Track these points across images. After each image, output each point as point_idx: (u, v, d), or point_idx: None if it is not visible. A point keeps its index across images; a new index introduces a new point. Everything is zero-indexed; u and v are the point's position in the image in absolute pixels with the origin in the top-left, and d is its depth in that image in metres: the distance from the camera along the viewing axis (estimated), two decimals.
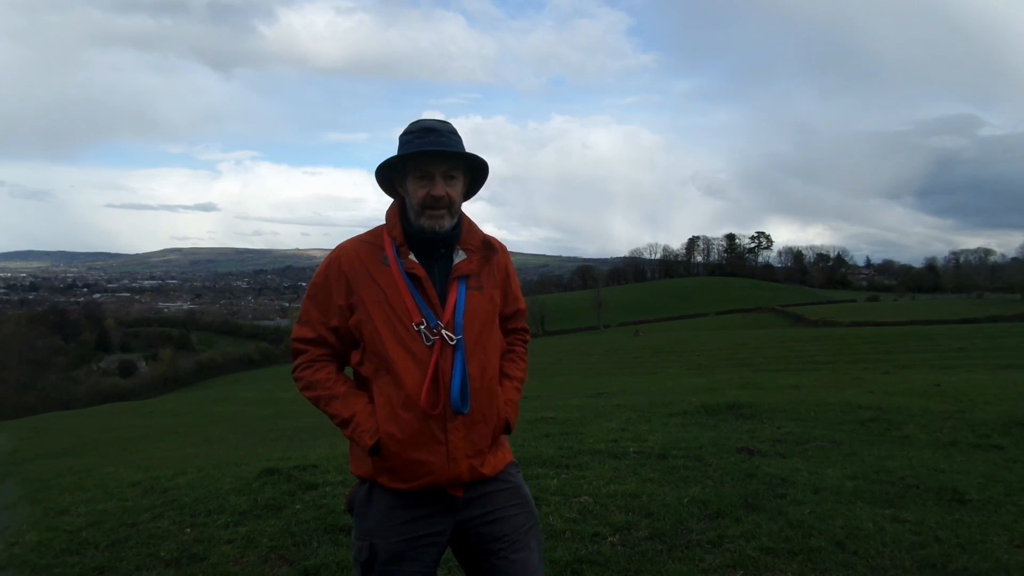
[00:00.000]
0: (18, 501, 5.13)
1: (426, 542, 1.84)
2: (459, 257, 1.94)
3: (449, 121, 1.95)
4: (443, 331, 1.83)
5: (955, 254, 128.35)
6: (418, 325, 1.82)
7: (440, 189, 1.87)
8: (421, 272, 1.87)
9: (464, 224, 1.99)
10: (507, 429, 1.97)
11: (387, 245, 1.91)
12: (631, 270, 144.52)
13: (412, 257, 1.89)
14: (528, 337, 2.17)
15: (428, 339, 1.82)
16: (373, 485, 1.87)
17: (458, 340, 1.84)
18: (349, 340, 1.93)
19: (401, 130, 1.97)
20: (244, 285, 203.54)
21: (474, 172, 2.00)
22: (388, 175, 1.98)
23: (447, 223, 1.90)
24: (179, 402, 26.47)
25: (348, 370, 2.01)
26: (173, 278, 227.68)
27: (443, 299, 1.88)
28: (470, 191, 2.03)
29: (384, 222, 1.98)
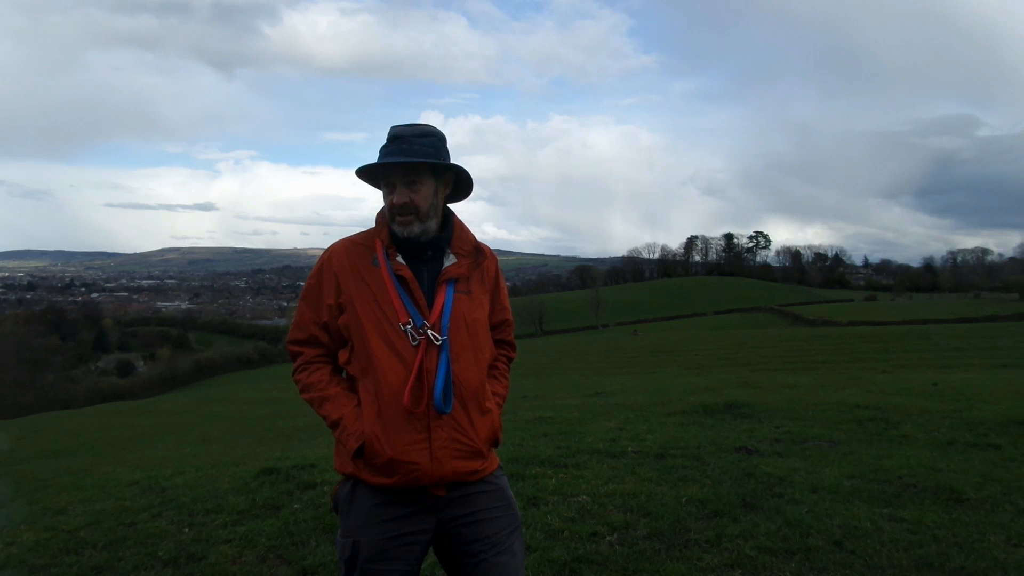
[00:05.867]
0: (12, 500, 5.11)
1: (408, 540, 1.85)
2: (449, 261, 1.96)
3: (430, 124, 1.96)
4: (429, 331, 1.85)
5: (953, 254, 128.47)
6: (405, 325, 1.85)
7: (399, 197, 1.89)
8: (408, 274, 1.90)
9: (455, 227, 2.00)
10: (495, 442, 1.98)
11: (377, 247, 1.94)
12: (629, 270, 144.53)
13: (400, 259, 1.92)
14: (513, 354, 2.17)
15: (414, 339, 1.84)
16: (356, 482, 1.89)
17: (443, 340, 1.85)
18: (339, 338, 1.96)
19: None
20: (242, 285, 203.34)
21: (456, 172, 2.00)
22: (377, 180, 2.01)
23: (416, 228, 1.91)
24: (177, 402, 26.44)
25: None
26: (171, 278, 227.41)
27: (431, 301, 1.90)
28: (456, 191, 2.03)
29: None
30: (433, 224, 1.95)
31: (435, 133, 1.95)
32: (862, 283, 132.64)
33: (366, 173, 1.96)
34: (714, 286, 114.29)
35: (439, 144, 1.94)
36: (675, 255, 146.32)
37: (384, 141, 1.96)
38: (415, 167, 1.90)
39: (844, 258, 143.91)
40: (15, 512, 4.66)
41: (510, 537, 1.93)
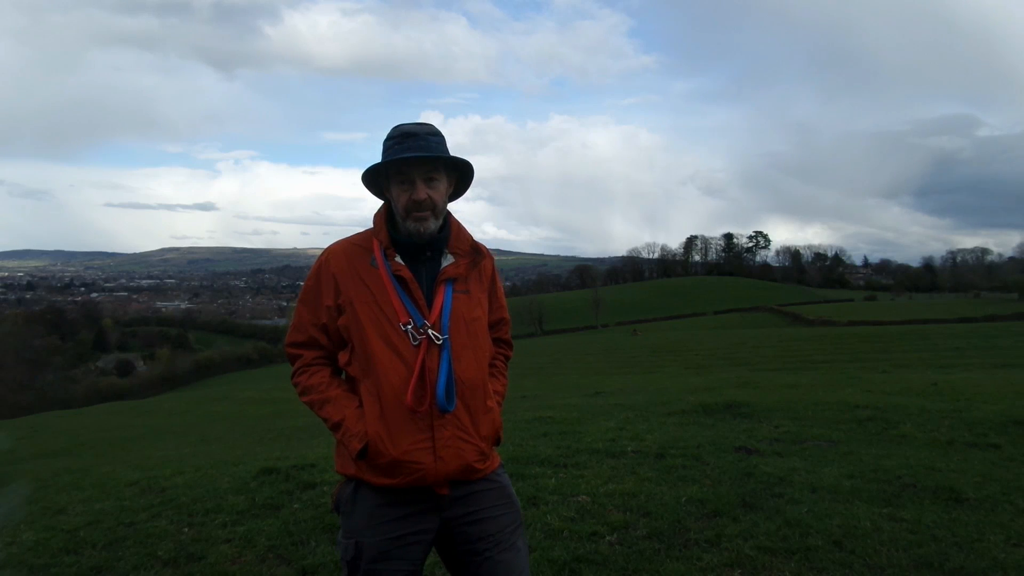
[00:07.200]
0: (23, 502, 5.12)
1: (412, 540, 1.85)
2: (447, 261, 1.96)
3: (432, 123, 1.97)
4: (429, 331, 1.85)
5: (952, 253, 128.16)
6: (405, 325, 1.85)
7: (421, 193, 1.89)
8: (407, 274, 1.90)
9: (452, 227, 2.00)
10: (497, 440, 1.99)
11: (375, 248, 1.94)
12: (629, 269, 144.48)
13: (399, 259, 1.92)
14: (510, 353, 2.18)
15: (415, 339, 1.84)
16: (359, 483, 1.89)
17: (444, 340, 1.86)
18: (339, 339, 1.96)
19: None
20: (242, 284, 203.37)
21: (460, 171, 2.02)
22: (377, 180, 2.01)
23: (432, 225, 1.92)
24: (177, 401, 26.45)
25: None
26: (171, 277, 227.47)
27: (430, 301, 1.90)
28: (458, 190, 2.04)
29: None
30: (439, 223, 1.96)
31: (441, 133, 1.97)
32: (862, 283, 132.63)
33: (371, 175, 1.96)
34: (714, 286, 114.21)
35: (445, 144, 1.97)
36: (675, 255, 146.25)
37: (384, 140, 1.96)
38: (434, 163, 1.91)
39: (844, 258, 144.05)
40: (15, 512, 4.66)
41: (514, 534, 1.93)
